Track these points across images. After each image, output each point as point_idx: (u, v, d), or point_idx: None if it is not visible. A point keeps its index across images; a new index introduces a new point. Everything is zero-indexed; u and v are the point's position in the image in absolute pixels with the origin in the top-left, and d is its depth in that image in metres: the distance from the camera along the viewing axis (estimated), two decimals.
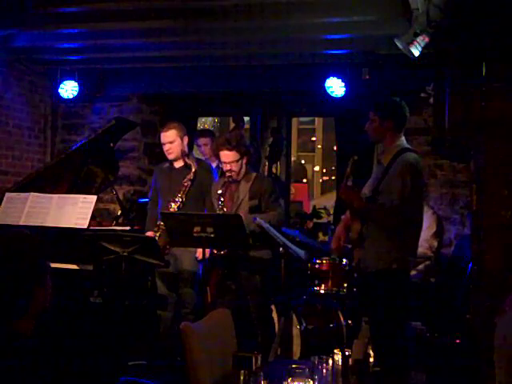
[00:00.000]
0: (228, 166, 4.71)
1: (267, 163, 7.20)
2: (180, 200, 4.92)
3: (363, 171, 4.35)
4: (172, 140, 4.98)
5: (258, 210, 4.69)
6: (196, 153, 6.38)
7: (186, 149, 5.08)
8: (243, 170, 4.79)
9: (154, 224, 4.96)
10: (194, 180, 4.96)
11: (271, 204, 4.74)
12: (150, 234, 4.89)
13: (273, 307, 4.99)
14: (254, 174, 4.89)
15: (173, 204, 4.91)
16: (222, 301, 4.78)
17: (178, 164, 5.07)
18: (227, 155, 4.69)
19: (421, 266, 5.29)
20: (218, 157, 4.87)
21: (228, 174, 4.73)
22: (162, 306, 5.04)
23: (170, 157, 5.03)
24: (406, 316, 4.04)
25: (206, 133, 6.76)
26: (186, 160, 5.01)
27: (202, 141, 6.40)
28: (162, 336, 5.05)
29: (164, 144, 5.02)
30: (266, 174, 7.37)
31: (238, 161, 4.70)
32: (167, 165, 5.14)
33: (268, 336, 4.71)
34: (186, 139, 5.04)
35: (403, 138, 4.01)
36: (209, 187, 4.94)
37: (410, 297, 3.98)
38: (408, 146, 4.00)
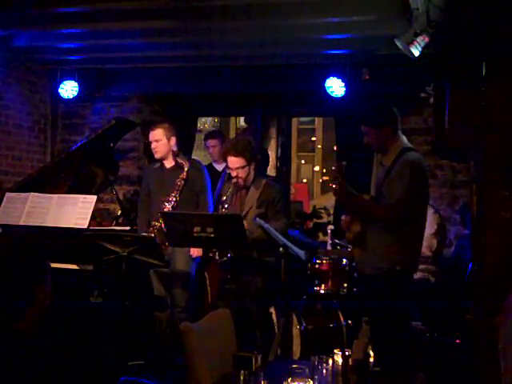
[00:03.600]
0: (234, 172, 4.68)
1: (279, 164, 7.21)
2: (174, 200, 4.92)
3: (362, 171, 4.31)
4: (158, 139, 5.02)
5: (264, 217, 4.67)
6: (195, 153, 6.38)
7: (175, 148, 5.08)
8: (251, 175, 4.74)
9: (147, 225, 4.96)
10: (187, 179, 4.97)
11: (276, 214, 4.71)
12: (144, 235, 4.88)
13: (272, 310, 4.98)
14: (264, 181, 4.82)
15: (167, 204, 4.91)
16: (222, 303, 4.77)
17: (169, 164, 5.08)
18: (233, 161, 4.66)
19: (421, 266, 5.29)
20: (226, 161, 4.88)
21: (235, 179, 4.71)
22: (159, 306, 5.04)
23: (156, 155, 5.08)
24: (406, 317, 4.03)
25: (214, 134, 6.77)
26: (178, 159, 5.03)
27: (210, 142, 6.42)
28: (159, 336, 5.05)
29: (151, 142, 5.08)
30: (275, 174, 7.40)
31: (244, 167, 4.66)
32: (158, 165, 5.15)
33: (268, 336, 4.71)
34: (173, 139, 5.05)
35: (403, 137, 4.00)
36: (201, 186, 4.97)
37: (411, 297, 3.97)
38: (409, 146, 3.99)
